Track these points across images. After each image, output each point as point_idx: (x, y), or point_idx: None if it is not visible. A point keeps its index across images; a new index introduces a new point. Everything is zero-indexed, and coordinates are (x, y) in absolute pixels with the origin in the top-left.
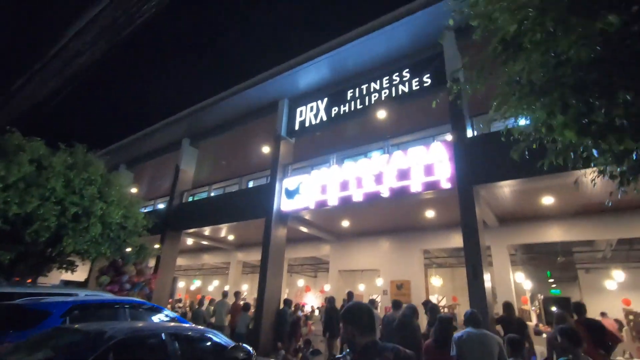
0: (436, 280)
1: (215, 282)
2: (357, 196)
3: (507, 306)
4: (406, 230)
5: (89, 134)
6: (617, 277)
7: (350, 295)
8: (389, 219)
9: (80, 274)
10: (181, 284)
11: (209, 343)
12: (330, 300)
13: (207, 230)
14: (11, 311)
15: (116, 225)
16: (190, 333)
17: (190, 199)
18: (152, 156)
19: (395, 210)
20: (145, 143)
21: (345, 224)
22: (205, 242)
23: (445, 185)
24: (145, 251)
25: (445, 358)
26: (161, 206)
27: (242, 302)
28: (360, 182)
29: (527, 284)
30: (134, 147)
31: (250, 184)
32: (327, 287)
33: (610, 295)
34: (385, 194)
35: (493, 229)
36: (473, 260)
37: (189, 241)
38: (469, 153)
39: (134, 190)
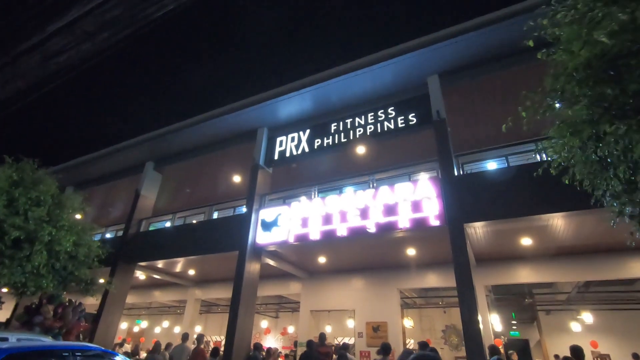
0: (407, 322)
1: (165, 323)
2: (341, 230)
3: (493, 349)
4: (382, 269)
5: (36, 149)
6: (586, 319)
7: (322, 337)
8: (367, 256)
9: (2, 313)
10: (123, 325)
11: None
12: (309, 345)
13: (165, 264)
14: None
15: (65, 254)
16: None
17: (152, 227)
18: (107, 179)
19: (378, 247)
20: (103, 164)
21: (322, 260)
22: (160, 277)
23: (434, 222)
24: (95, 286)
25: None
26: (108, 235)
27: (203, 347)
28: (345, 216)
29: (498, 326)
30: (89, 167)
31: (215, 215)
32: (290, 329)
33: (575, 337)
34: (372, 229)
35: (473, 267)
36: (467, 300)
37: (141, 276)
38: (458, 190)
39: (85, 214)
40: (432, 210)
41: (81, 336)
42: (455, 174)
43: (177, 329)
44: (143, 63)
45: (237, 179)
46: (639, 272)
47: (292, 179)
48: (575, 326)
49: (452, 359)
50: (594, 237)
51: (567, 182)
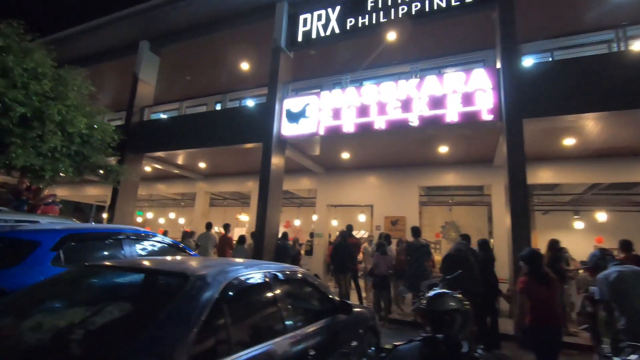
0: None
1: (172, 215)
2: (379, 123)
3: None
4: (403, 166)
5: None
6: (600, 217)
7: (350, 228)
8: (393, 152)
9: None
10: None
11: (310, 289)
12: (342, 235)
13: (176, 156)
14: None
15: (78, 137)
16: (289, 275)
17: (158, 115)
18: (96, 60)
19: (411, 143)
20: (89, 40)
21: (345, 155)
22: (167, 169)
23: (487, 117)
24: (114, 174)
25: (548, 293)
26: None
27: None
28: (384, 108)
29: None
30: (74, 43)
31: (218, 107)
32: (297, 222)
33: (577, 234)
34: (415, 122)
35: (497, 168)
36: (519, 200)
37: (146, 167)
38: (520, 83)
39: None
40: (486, 104)
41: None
42: (519, 64)
43: (182, 220)
44: None
45: (245, 65)
46: None
47: (318, 66)
48: (578, 224)
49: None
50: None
51: None
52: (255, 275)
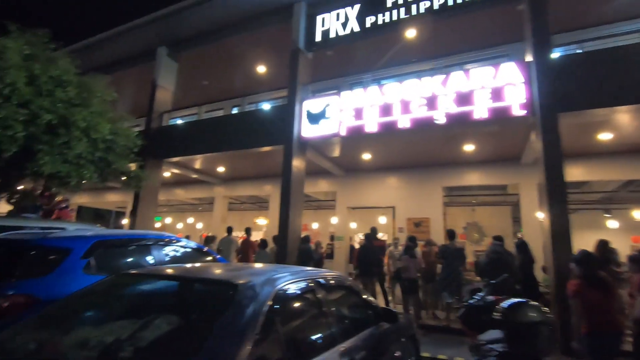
0: None
1: (190, 219)
2: (404, 122)
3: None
4: (426, 166)
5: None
6: (637, 216)
7: (375, 231)
8: (415, 152)
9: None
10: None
11: (353, 296)
12: (368, 237)
13: (196, 160)
14: (12, 249)
15: (102, 143)
16: (332, 281)
17: (175, 121)
18: (114, 68)
19: (436, 141)
20: (108, 49)
21: (367, 156)
22: (186, 174)
23: (519, 112)
24: (136, 180)
25: (605, 298)
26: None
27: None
28: (408, 106)
29: None
30: (93, 52)
31: (234, 111)
32: (314, 225)
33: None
34: (441, 120)
35: (526, 166)
36: (558, 199)
37: (165, 173)
38: (554, 76)
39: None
40: (517, 99)
41: None
42: (551, 56)
43: (200, 225)
44: None
45: (261, 68)
46: None
47: (335, 67)
48: (612, 223)
49: (472, 252)
50: None
51: None
52: (301, 283)
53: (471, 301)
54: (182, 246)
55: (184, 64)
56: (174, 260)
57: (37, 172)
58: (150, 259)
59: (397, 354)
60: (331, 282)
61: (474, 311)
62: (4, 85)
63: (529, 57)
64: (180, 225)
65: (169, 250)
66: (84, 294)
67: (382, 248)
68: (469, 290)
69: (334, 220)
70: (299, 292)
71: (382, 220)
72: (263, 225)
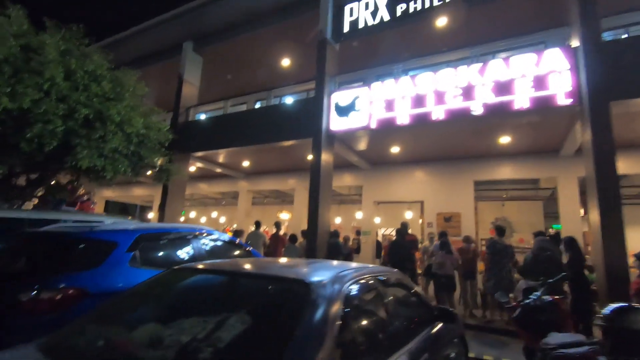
0: None
1: (214, 214)
2: (438, 113)
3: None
4: (457, 159)
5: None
6: None
7: (405, 226)
8: (447, 145)
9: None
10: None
11: (410, 294)
12: (399, 233)
13: (222, 154)
14: (60, 243)
15: (135, 137)
16: (392, 278)
17: (200, 116)
18: (141, 63)
19: (469, 134)
20: (135, 45)
21: (395, 149)
22: (210, 168)
23: (564, 101)
24: (166, 173)
25: None
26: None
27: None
28: (442, 97)
29: None
30: (120, 48)
31: (258, 105)
32: (337, 220)
33: None
34: (478, 111)
35: (565, 158)
36: (610, 194)
37: (191, 167)
38: (604, 61)
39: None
40: (563, 87)
41: None
42: (601, 42)
43: (223, 219)
44: None
45: (286, 62)
46: None
47: (361, 58)
48: None
49: None
50: None
51: None
52: (365, 280)
53: (527, 301)
54: (216, 239)
55: (209, 58)
56: (212, 252)
57: (75, 166)
58: (190, 251)
59: (452, 355)
60: (391, 279)
61: (530, 312)
62: (44, 80)
63: (575, 43)
64: (203, 219)
65: (205, 243)
66: (144, 289)
67: (413, 243)
68: (523, 290)
69: (359, 214)
70: (365, 290)
71: (408, 215)
72: (286, 220)
